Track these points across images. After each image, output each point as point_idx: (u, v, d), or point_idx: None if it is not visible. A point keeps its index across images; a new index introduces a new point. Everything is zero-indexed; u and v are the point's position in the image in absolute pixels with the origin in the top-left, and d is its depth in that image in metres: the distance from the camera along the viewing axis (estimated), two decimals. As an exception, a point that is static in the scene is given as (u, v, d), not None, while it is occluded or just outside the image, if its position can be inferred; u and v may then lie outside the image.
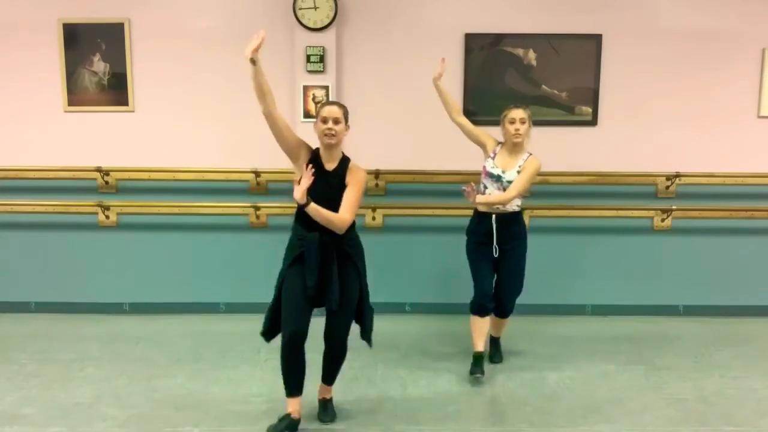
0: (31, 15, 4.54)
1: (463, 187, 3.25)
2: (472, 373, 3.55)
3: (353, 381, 3.51)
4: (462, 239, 3.73)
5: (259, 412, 3.13)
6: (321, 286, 2.88)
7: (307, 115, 4.45)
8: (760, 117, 4.68)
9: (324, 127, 2.87)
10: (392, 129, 4.63)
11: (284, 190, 4.55)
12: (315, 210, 2.75)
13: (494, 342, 3.92)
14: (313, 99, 4.47)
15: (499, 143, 3.64)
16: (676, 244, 4.75)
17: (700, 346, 4.16)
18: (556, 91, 4.64)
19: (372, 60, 4.60)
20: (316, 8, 4.40)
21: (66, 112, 4.63)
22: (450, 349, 4.02)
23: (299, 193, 2.71)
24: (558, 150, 4.45)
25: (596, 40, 4.59)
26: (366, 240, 3.08)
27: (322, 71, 4.48)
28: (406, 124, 4.62)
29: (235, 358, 3.85)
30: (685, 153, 4.68)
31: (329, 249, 2.87)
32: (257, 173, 4.59)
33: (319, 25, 4.43)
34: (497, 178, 3.54)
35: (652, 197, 4.71)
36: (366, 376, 3.62)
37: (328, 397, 3.14)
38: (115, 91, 4.61)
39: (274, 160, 4.34)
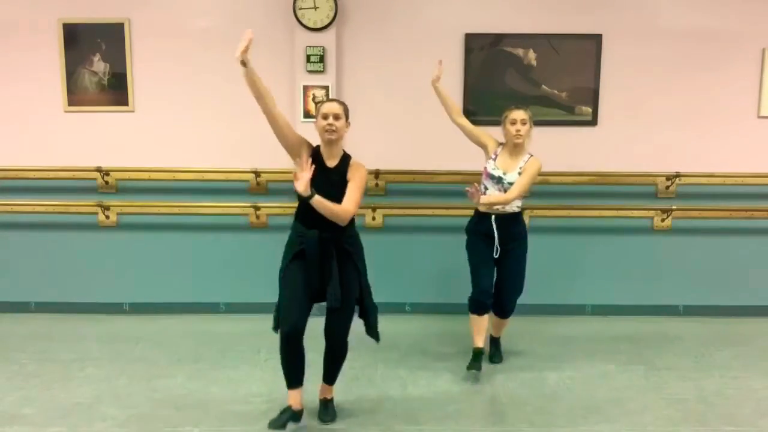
0: (31, 15, 4.54)
1: (467, 188, 3.26)
2: (469, 368, 3.56)
3: (353, 381, 3.51)
4: (462, 239, 3.73)
5: (259, 412, 3.13)
6: (321, 283, 2.89)
7: (307, 115, 4.45)
8: (760, 117, 4.68)
9: (324, 122, 2.87)
10: (392, 129, 4.63)
11: (284, 190, 4.55)
12: (319, 202, 2.74)
13: (494, 342, 3.93)
14: (313, 99, 4.47)
15: (500, 144, 3.64)
16: (676, 244, 4.75)
17: (700, 346, 4.16)
18: (556, 91, 4.64)
19: (372, 60, 4.60)
20: (316, 8, 4.40)
21: (66, 112, 4.63)
22: (450, 349, 4.02)
23: (303, 185, 2.69)
24: (558, 150, 4.45)
25: (596, 40, 4.59)
26: (366, 240, 3.09)
27: (322, 71, 4.48)
28: (406, 123, 4.62)
29: (235, 358, 3.85)
30: (685, 153, 4.68)
31: (328, 245, 2.87)
32: (257, 173, 4.59)
33: (319, 25, 4.43)
34: (498, 180, 3.54)
35: (652, 197, 4.71)
36: (366, 376, 3.62)
37: (329, 397, 3.14)
38: (115, 91, 4.61)
39: (274, 160, 4.36)
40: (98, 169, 4.59)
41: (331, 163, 2.93)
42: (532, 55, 4.61)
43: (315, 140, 2.98)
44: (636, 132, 4.67)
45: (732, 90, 4.65)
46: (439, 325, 4.48)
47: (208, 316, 4.67)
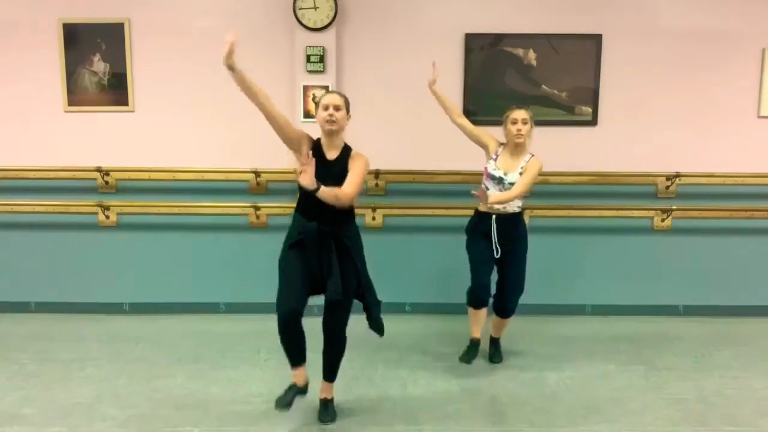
0: (31, 15, 4.54)
1: (474, 191, 3.26)
2: (460, 359, 3.68)
3: (353, 381, 3.51)
4: (462, 239, 3.74)
5: (259, 412, 3.13)
6: (319, 275, 2.90)
7: (307, 115, 4.45)
8: (760, 117, 4.68)
9: (325, 114, 2.88)
10: (392, 129, 4.63)
11: (284, 190, 4.55)
12: (324, 192, 2.72)
13: (494, 342, 3.93)
14: (313, 99, 4.46)
15: (501, 144, 3.64)
16: (676, 244, 4.75)
17: (700, 346, 4.16)
18: (556, 91, 4.64)
19: (372, 60, 4.60)
20: (316, 8, 4.40)
21: (66, 112, 4.63)
22: (450, 349, 4.01)
23: (308, 178, 2.65)
24: (558, 150, 4.45)
25: (596, 40, 4.60)
26: (366, 240, 3.09)
27: (322, 71, 4.48)
28: (406, 123, 4.62)
29: (235, 358, 3.85)
30: (685, 153, 4.68)
31: (327, 238, 2.88)
32: (257, 173, 4.59)
33: (319, 25, 4.43)
34: (499, 180, 3.54)
35: (652, 197, 4.72)
36: (366, 376, 3.62)
37: (329, 397, 3.14)
38: (115, 91, 4.61)
39: (274, 160, 4.37)
40: (98, 169, 4.59)
41: (332, 155, 2.93)
42: (532, 55, 4.61)
43: (316, 135, 2.98)
44: (636, 132, 4.67)
45: (732, 90, 4.65)
46: (439, 325, 4.48)
47: (208, 316, 4.67)
